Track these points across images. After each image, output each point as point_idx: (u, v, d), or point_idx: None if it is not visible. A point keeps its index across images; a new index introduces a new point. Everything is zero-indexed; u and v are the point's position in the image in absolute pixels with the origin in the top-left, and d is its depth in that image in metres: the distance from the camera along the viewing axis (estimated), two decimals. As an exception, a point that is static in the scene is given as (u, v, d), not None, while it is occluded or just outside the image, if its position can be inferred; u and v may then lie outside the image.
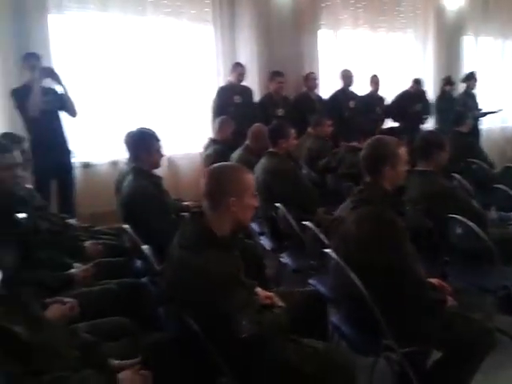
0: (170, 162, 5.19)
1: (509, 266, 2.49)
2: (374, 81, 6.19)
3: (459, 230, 2.59)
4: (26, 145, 2.84)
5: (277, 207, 3.10)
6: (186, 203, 3.69)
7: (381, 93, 6.34)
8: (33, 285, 2.04)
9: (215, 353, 1.66)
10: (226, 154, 4.31)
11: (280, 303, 2.01)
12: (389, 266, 1.94)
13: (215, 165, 1.85)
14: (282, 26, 5.67)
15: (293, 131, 3.70)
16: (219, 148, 4.51)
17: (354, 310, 2.10)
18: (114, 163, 4.92)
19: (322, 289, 2.41)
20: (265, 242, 3.44)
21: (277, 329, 1.84)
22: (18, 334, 1.38)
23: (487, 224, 2.75)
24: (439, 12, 7.05)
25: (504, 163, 4.93)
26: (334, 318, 2.24)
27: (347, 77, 5.93)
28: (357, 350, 2.08)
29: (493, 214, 4.12)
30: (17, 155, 2.30)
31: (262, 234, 3.55)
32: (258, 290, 2.05)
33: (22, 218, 2.39)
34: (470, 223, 2.50)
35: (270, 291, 2.08)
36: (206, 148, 4.70)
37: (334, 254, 2.14)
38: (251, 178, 1.83)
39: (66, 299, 1.96)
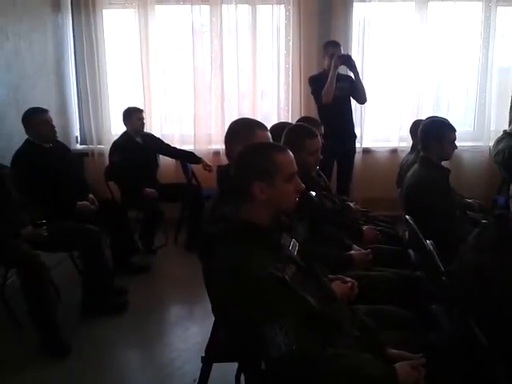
0: (454, 154, 4.88)
1: None
2: None
3: None
4: (322, 129, 3.04)
5: None
6: (469, 201, 3.44)
7: None
8: (318, 259, 2.17)
9: (500, 370, 1.49)
10: (522, 151, 3.81)
11: None
12: None
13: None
14: None
15: None
16: (515, 143, 4.00)
17: None
18: (394, 151, 4.91)
19: None
20: None
21: None
22: (311, 303, 1.48)
23: None
24: None
25: None
26: None
27: None
28: None
29: None
30: (319, 139, 2.49)
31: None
32: None
33: (313, 196, 2.59)
34: None
35: None
36: (499, 142, 4.22)
37: None
38: None
39: (347, 278, 2.03)
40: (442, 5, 4.79)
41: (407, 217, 2.59)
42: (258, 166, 1.53)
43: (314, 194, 2.67)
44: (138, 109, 4.27)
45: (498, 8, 4.76)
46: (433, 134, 2.77)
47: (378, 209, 3.86)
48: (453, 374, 1.62)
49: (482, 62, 4.84)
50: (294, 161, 1.60)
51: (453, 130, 2.76)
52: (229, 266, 1.45)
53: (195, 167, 4.57)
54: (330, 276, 2.02)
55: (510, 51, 4.91)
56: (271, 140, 2.14)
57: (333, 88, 4.11)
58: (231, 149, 2.10)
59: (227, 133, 2.19)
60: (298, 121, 3.32)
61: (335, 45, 4.28)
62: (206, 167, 4.38)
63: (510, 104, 4.58)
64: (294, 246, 1.69)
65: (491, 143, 4.51)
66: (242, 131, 2.12)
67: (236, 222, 1.56)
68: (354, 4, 4.70)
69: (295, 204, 1.61)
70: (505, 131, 4.24)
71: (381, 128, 5.07)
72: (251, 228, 1.52)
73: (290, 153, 1.60)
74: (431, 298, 2.14)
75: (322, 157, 2.64)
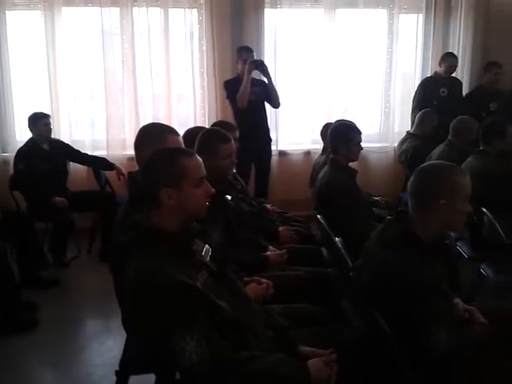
0: (361, 154, 5.12)
1: None
2: None
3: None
4: (238, 133, 3.06)
5: (483, 212, 2.82)
6: (376, 198, 3.61)
7: None
8: (234, 262, 2.18)
9: (402, 359, 1.58)
10: (423, 150, 4.07)
11: (481, 319, 1.83)
12: None
13: (428, 163, 1.75)
14: (503, 15, 5.07)
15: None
16: (417, 143, 4.28)
17: None
18: (307, 153, 5.05)
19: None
20: (462, 249, 3.17)
21: (475, 347, 1.68)
22: (223, 309, 1.48)
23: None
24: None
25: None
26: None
27: None
28: None
29: None
30: (233, 143, 2.49)
31: (459, 239, 3.28)
32: (458, 301, 1.90)
33: (228, 200, 2.60)
34: None
35: (470, 305, 1.91)
36: (403, 142, 4.50)
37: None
38: (468, 182, 1.68)
39: (263, 279, 2.05)
40: (349, 12, 4.99)
41: (319, 216, 2.68)
42: (165, 171, 1.51)
43: (229, 197, 2.67)
44: (45, 114, 4.06)
45: (401, 15, 5.05)
46: (340, 137, 2.90)
47: (295, 209, 3.96)
48: (363, 369, 1.69)
49: (386, 67, 5.11)
50: (203, 165, 1.59)
51: (358, 132, 2.90)
52: (137, 275, 1.42)
53: (109, 174, 4.42)
54: (246, 278, 2.03)
55: (412, 57, 5.23)
56: (183, 145, 2.13)
57: (247, 93, 4.16)
58: (141, 155, 2.06)
59: (137, 138, 2.15)
60: (212, 125, 3.31)
61: (248, 50, 4.33)
62: (119, 176, 4.24)
63: (411, 107, 4.91)
64: (206, 251, 1.67)
65: (396, 144, 4.80)
66: (153, 136, 2.09)
67: (145, 229, 1.53)
68: (266, 10, 4.78)
69: (206, 208, 1.60)
70: (408, 132, 4.54)
71: (295, 131, 5.19)
72: (160, 235, 1.49)
73: (198, 157, 1.60)
74: (341, 294, 2.23)
75: (236, 161, 2.65)
